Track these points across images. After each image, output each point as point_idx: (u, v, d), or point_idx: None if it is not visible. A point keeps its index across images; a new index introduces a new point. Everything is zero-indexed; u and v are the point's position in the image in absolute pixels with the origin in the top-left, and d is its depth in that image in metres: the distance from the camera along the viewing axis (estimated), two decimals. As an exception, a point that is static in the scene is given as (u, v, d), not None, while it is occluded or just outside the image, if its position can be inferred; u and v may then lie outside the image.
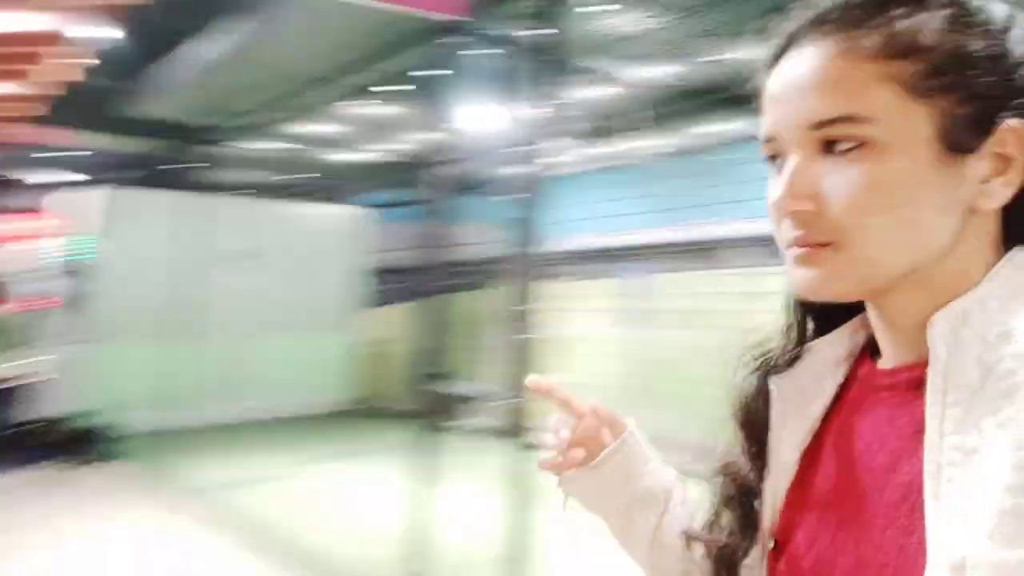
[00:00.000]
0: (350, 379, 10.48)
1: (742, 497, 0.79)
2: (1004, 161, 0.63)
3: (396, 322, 10.04)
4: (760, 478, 0.78)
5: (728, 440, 0.81)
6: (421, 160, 9.65)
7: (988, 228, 0.65)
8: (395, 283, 11.28)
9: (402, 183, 16.13)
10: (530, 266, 4.51)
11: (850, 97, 0.62)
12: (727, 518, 0.80)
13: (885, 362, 0.70)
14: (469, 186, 7.06)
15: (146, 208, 9.15)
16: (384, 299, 11.36)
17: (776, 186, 0.67)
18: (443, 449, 4.59)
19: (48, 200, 9.43)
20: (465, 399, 8.00)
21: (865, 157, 0.62)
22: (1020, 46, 0.62)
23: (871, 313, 0.71)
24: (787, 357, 0.78)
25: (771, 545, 0.74)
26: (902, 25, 0.62)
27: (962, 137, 0.62)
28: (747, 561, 0.78)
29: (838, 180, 0.63)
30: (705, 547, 0.83)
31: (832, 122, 0.62)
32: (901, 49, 0.62)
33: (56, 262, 8.55)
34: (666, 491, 0.93)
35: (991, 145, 0.62)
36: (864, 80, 0.62)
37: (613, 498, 0.93)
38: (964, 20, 0.62)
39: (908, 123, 0.61)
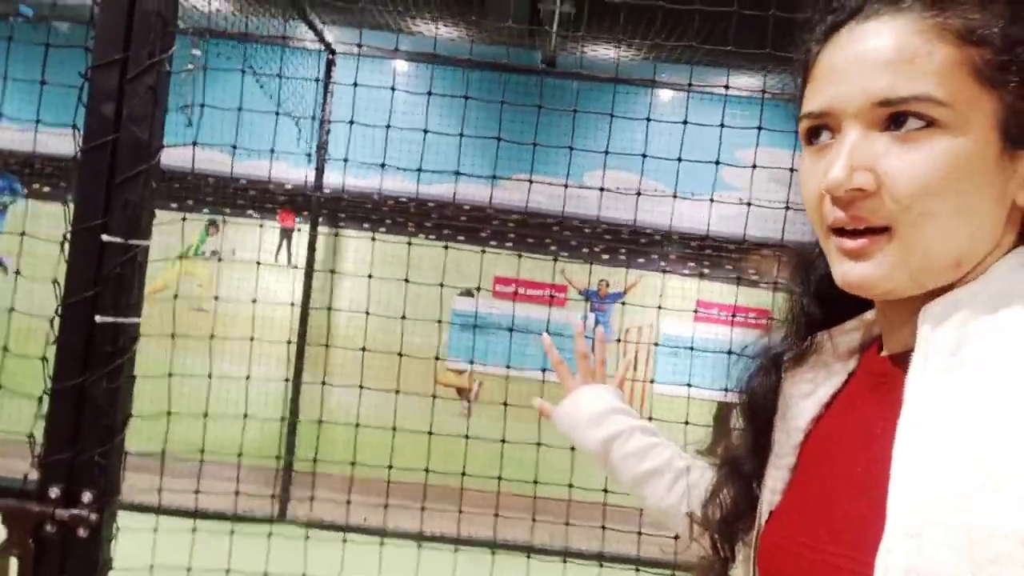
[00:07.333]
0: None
1: (744, 481, 0.82)
2: None
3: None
4: (762, 464, 0.80)
5: (734, 429, 0.84)
6: None
7: (1015, 228, 0.66)
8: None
9: None
10: None
11: (928, 77, 0.60)
12: (729, 499, 0.84)
13: (887, 351, 0.71)
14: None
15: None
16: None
17: (828, 164, 0.64)
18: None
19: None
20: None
21: (933, 139, 0.60)
22: None
23: (878, 304, 0.72)
24: (796, 350, 0.80)
25: (766, 517, 0.77)
26: (976, 13, 0.61)
27: (1020, 131, 0.62)
28: (745, 539, 0.82)
29: (903, 159, 0.61)
30: (705, 522, 0.86)
31: (907, 100, 0.61)
32: (975, 36, 0.61)
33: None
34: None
35: None
36: (941, 61, 0.60)
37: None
38: None
39: (976, 110, 0.60)
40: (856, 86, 0.63)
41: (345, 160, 3.46)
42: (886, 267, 0.63)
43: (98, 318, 1.18)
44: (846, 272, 0.65)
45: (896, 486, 0.59)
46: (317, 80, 4.42)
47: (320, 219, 4.96)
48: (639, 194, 3.72)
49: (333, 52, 4.44)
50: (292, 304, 4.43)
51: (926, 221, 0.61)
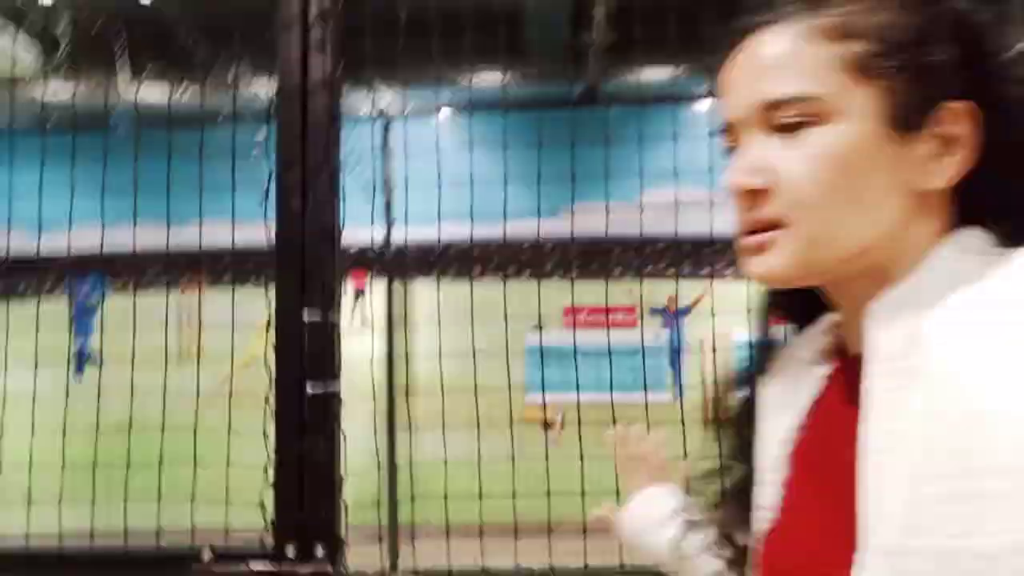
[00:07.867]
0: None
1: (739, 492, 0.82)
2: (948, 142, 0.65)
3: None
4: (751, 475, 0.80)
5: (718, 446, 0.85)
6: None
7: (939, 213, 0.67)
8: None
9: None
10: None
11: (801, 77, 0.64)
12: (729, 510, 0.84)
13: (852, 353, 0.71)
14: None
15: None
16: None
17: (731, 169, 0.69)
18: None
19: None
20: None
21: (817, 134, 0.64)
22: (962, 32, 0.65)
23: (834, 305, 0.73)
24: (763, 361, 0.81)
25: (766, 527, 0.77)
26: (850, 9, 0.65)
27: (907, 116, 0.64)
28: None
29: (790, 155, 0.65)
30: (714, 534, 0.87)
31: (786, 100, 0.65)
32: (848, 32, 0.65)
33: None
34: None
35: (935, 126, 0.65)
36: (814, 61, 0.65)
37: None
38: (909, 6, 0.65)
39: (856, 101, 0.64)
40: (743, 96, 0.68)
41: (405, 215, 3.59)
42: (783, 258, 0.66)
43: (309, 388, 1.30)
44: (749, 265, 0.69)
45: (861, 500, 0.60)
46: (377, 145, 4.63)
47: (392, 274, 5.12)
48: (722, 205, 3.79)
49: (389, 118, 4.64)
50: (374, 360, 4.55)
51: (818, 212, 0.64)
